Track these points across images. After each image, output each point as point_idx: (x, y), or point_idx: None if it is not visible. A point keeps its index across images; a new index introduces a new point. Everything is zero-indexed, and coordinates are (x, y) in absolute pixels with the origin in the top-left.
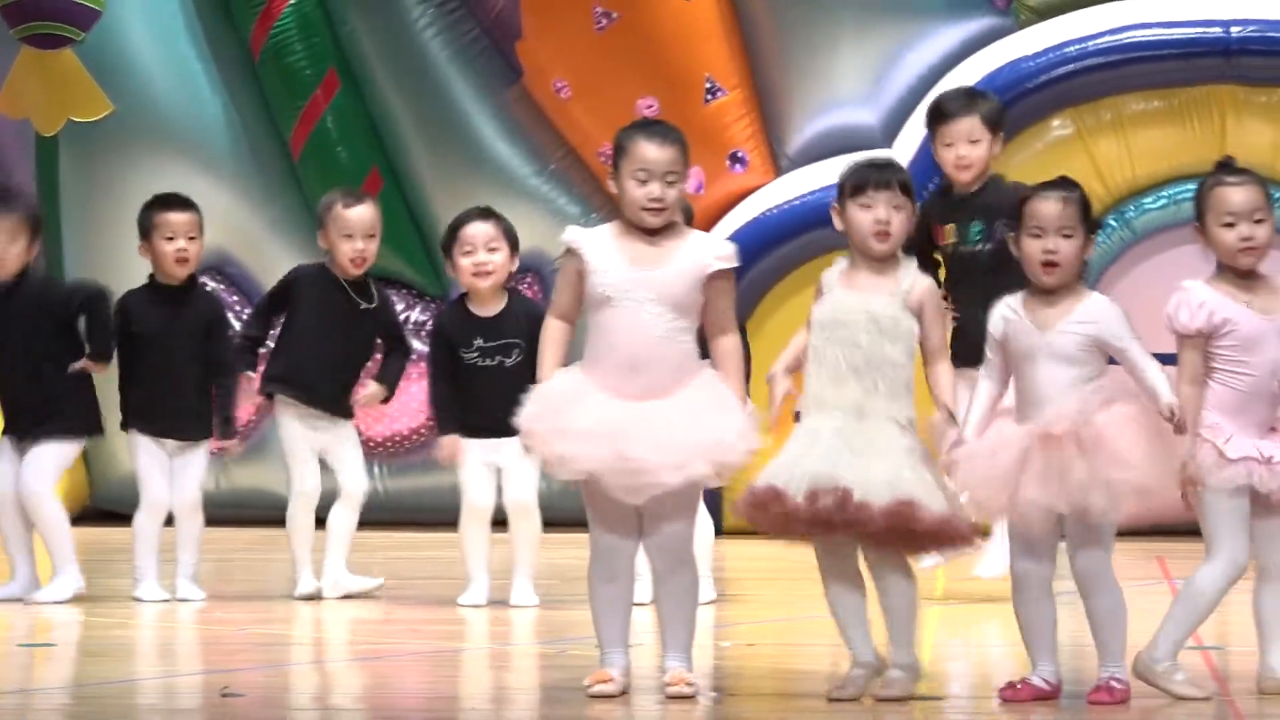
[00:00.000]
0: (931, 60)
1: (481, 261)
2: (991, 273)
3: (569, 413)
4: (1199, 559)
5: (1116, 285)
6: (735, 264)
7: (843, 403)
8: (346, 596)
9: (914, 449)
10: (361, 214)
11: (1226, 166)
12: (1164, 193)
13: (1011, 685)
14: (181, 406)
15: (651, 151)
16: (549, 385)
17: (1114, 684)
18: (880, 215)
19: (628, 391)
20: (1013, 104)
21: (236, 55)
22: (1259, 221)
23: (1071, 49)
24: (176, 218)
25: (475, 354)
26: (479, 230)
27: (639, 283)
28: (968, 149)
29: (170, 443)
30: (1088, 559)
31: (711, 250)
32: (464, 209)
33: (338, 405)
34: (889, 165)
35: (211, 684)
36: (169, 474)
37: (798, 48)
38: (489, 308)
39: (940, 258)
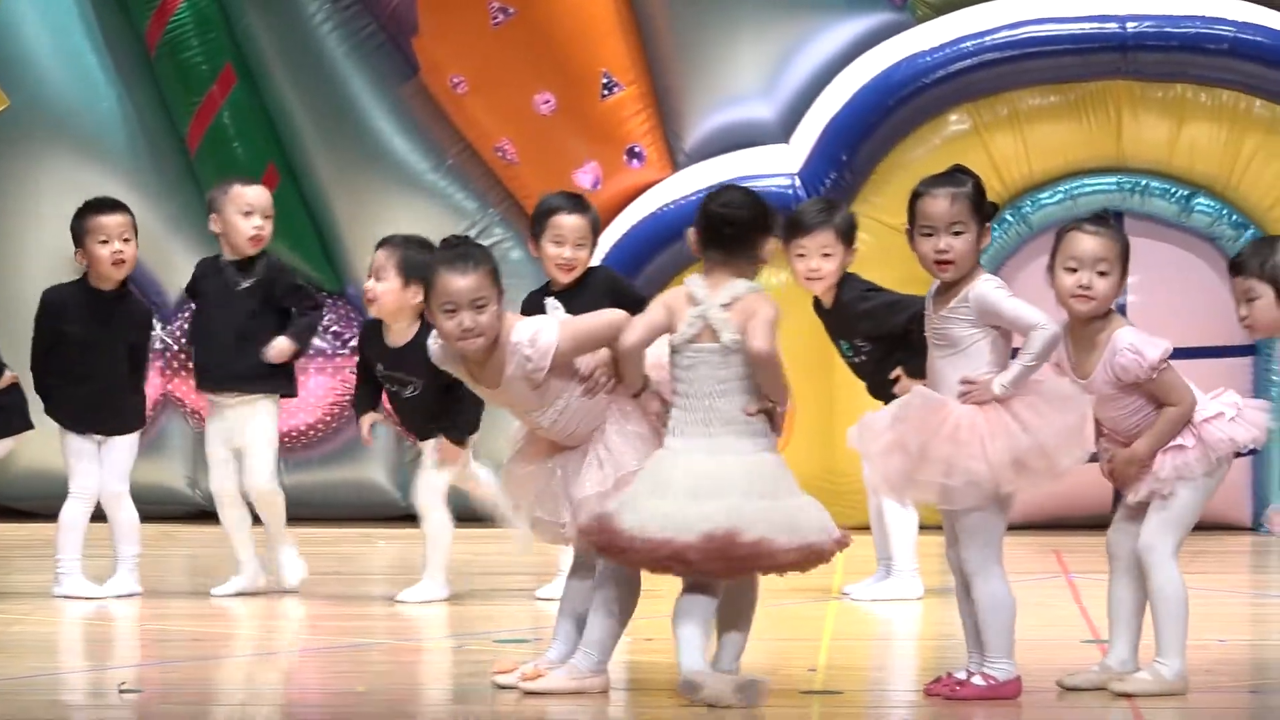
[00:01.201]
0: (828, 55)
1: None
2: (880, 367)
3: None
4: (1097, 552)
5: (1013, 280)
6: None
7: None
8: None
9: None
10: (260, 192)
11: (1099, 217)
12: (1060, 188)
13: (938, 680)
14: (111, 405)
15: (455, 282)
16: None
17: (996, 680)
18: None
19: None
20: (910, 99)
21: (132, 50)
22: (1102, 274)
23: (968, 44)
24: (110, 220)
25: (383, 378)
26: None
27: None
28: (820, 262)
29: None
30: (965, 551)
31: (523, 364)
32: (362, 204)
33: (245, 384)
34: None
35: (111, 680)
36: (99, 464)
37: (695, 43)
38: (398, 337)
39: None
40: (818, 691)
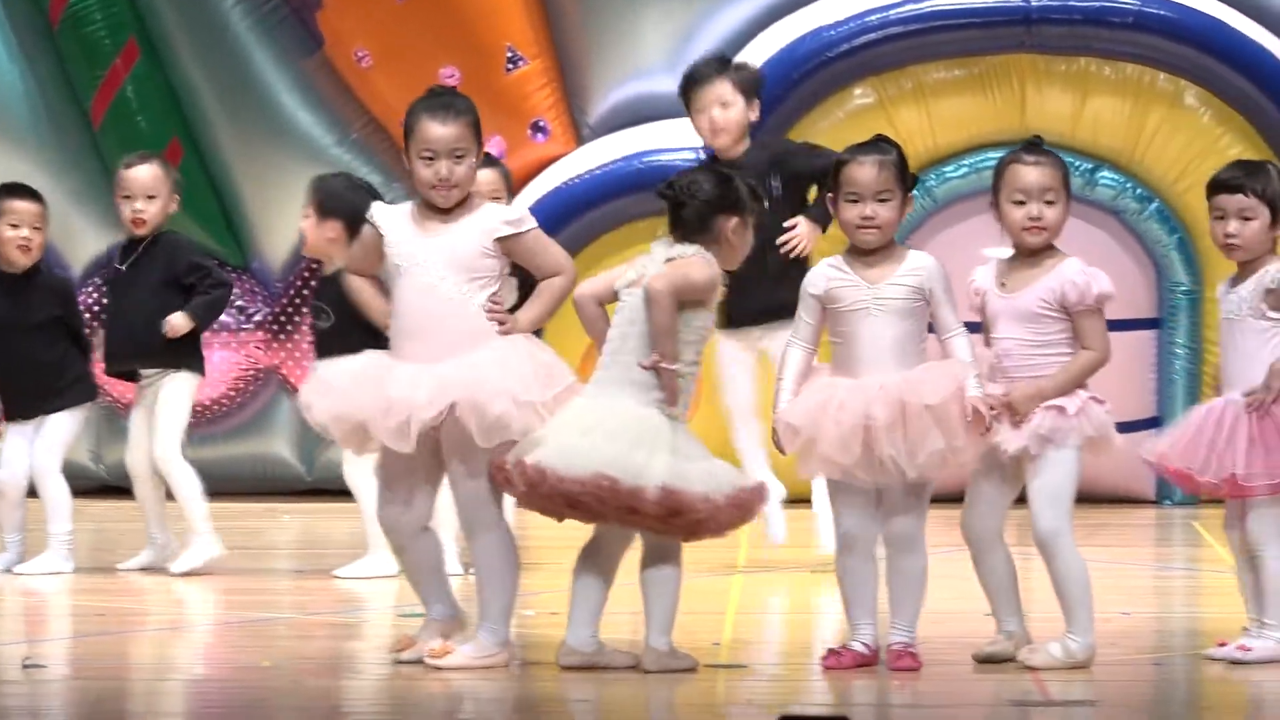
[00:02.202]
0: (733, 29)
1: None
2: (771, 231)
3: (344, 375)
4: (1009, 523)
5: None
6: (523, 227)
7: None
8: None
9: (683, 437)
10: (138, 174)
11: (1030, 145)
12: (965, 161)
13: (834, 652)
14: (42, 386)
15: (435, 130)
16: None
17: (910, 649)
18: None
19: (419, 355)
20: (814, 73)
21: (35, 24)
22: (1050, 203)
23: (873, 18)
24: (23, 206)
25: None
26: None
27: (427, 249)
28: (720, 112)
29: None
30: (904, 522)
31: (499, 216)
32: (266, 178)
33: (149, 362)
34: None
35: (15, 656)
36: (28, 443)
37: (599, 17)
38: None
39: None
40: (723, 665)
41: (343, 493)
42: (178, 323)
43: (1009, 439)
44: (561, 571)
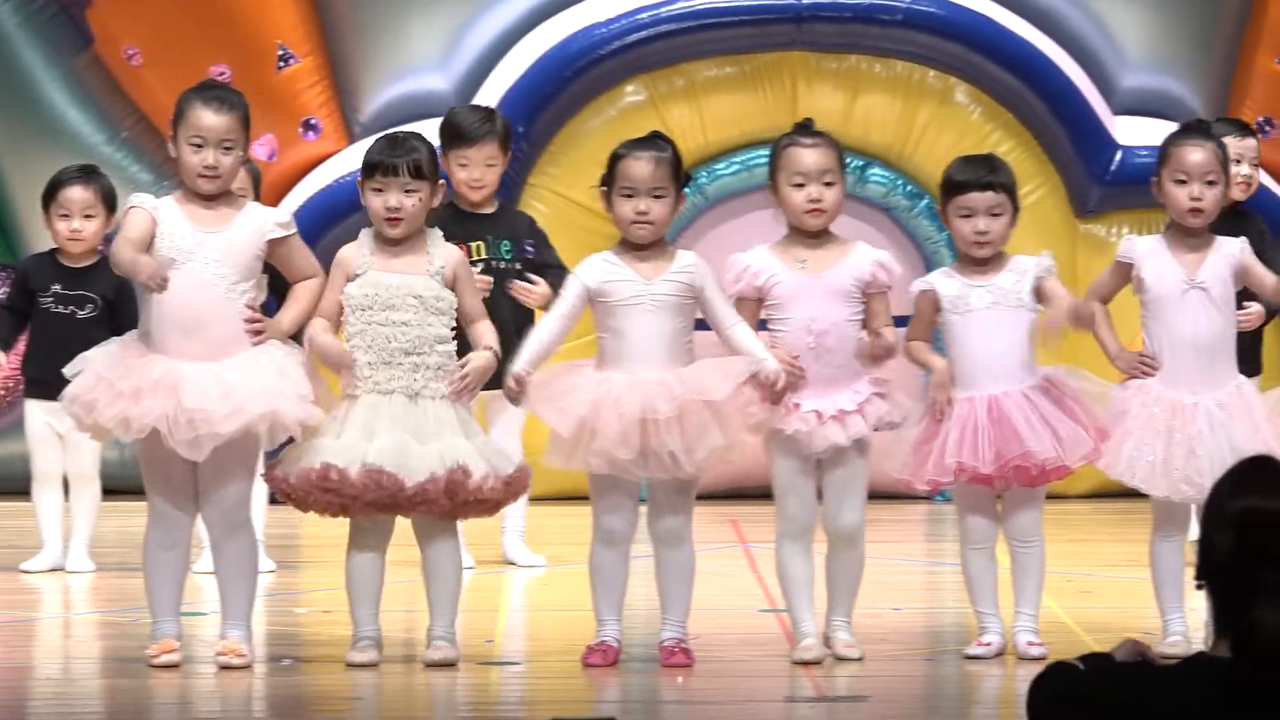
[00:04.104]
0: (505, 26)
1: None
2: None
3: (125, 376)
4: (773, 522)
5: (690, 250)
6: (292, 230)
7: (395, 384)
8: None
9: (468, 421)
10: None
11: (803, 128)
12: (736, 159)
13: (594, 649)
14: None
15: (208, 117)
16: (95, 353)
17: (683, 645)
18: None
19: (188, 352)
20: (586, 71)
21: None
22: (828, 184)
23: (644, 16)
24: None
25: (50, 299)
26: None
27: (203, 244)
28: (483, 172)
29: None
30: (673, 518)
31: (271, 217)
32: (35, 176)
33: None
34: None
35: None
36: None
37: (371, 14)
38: (79, 260)
39: None
40: (496, 662)
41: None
42: None
43: (834, 434)
44: (333, 569)
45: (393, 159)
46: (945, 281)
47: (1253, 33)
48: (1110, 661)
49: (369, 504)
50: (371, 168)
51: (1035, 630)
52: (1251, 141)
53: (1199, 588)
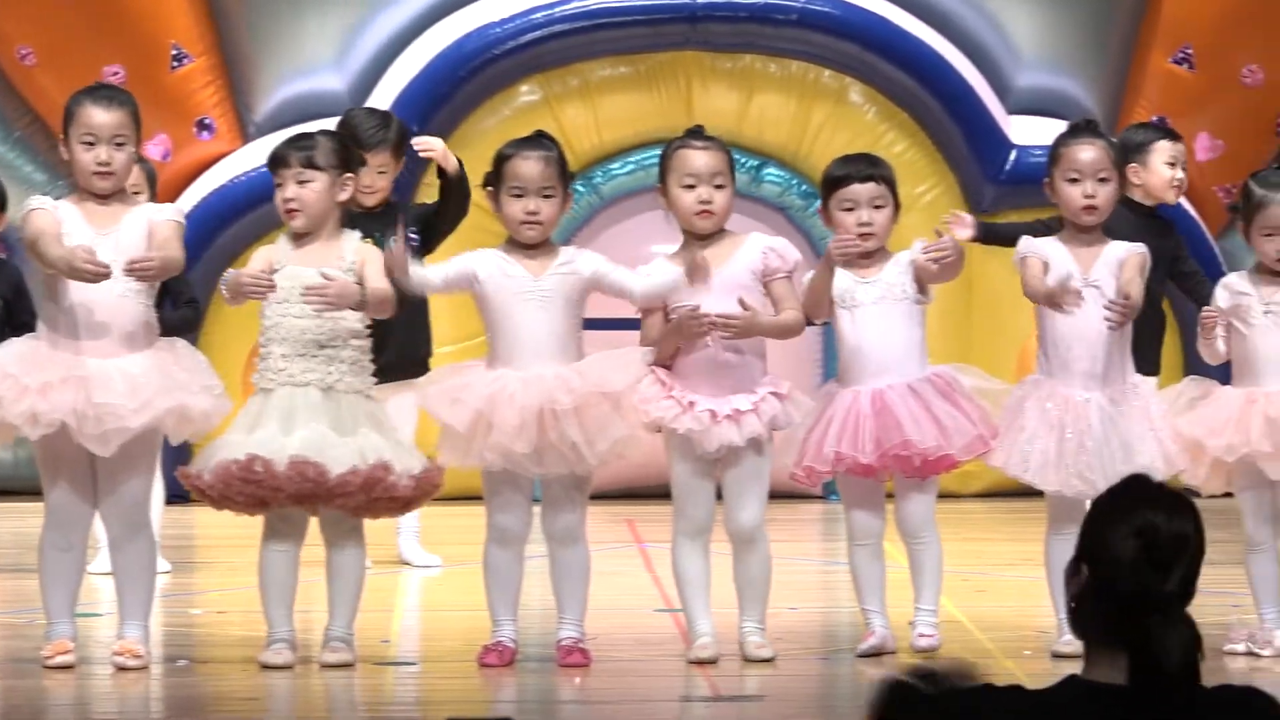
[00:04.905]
0: (400, 26)
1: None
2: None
3: (31, 372)
4: (670, 521)
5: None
6: (179, 219)
7: (310, 377)
8: None
9: (381, 417)
10: None
11: (694, 133)
12: (631, 159)
13: (490, 649)
14: None
15: (98, 115)
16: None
17: (580, 644)
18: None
19: (91, 350)
20: (480, 70)
21: None
22: (719, 187)
23: (539, 15)
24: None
25: None
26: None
27: (100, 243)
28: (374, 179)
29: None
30: (567, 517)
31: (165, 210)
32: None
33: None
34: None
35: None
36: None
37: (265, 14)
38: None
39: None
40: (392, 663)
41: None
42: None
43: (728, 433)
44: (230, 570)
45: (284, 151)
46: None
47: (1147, 32)
48: (955, 682)
49: (291, 496)
50: (270, 164)
51: (932, 625)
52: (1182, 145)
53: (1073, 610)
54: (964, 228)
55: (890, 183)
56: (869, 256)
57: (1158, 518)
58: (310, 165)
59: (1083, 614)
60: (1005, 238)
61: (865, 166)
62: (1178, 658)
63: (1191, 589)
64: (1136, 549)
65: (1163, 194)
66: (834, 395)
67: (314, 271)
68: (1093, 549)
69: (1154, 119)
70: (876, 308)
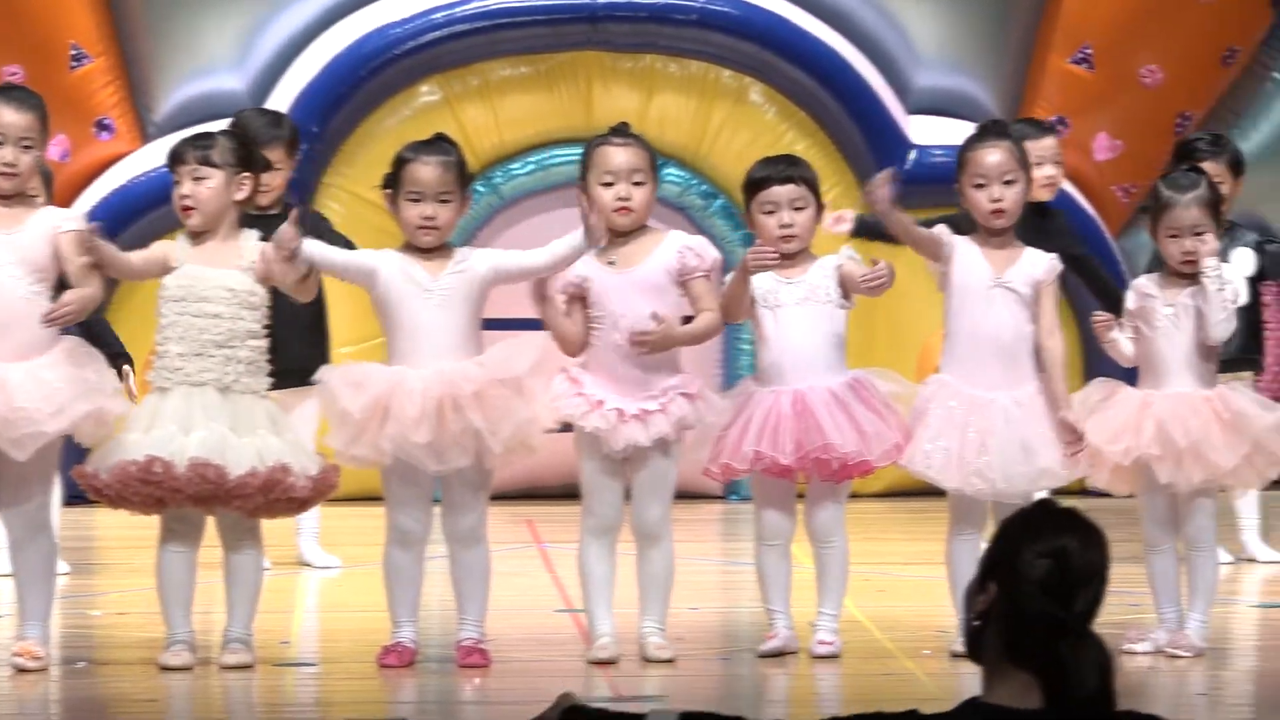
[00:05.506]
0: (299, 26)
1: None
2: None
3: None
4: (570, 521)
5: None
6: (83, 226)
7: (207, 376)
8: None
9: (278, 417)
10: None
11: (617, 130)
12: (532, 158)
13: (389, 649)
14: None
15: (7, 116)
16: None
17: (480, 645)
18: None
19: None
20: (380, 71)
21: None
22: (638, 184)
23: (439, 15)
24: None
25: None
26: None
27: (2, 244)
28: (270, 177)
29: None
30: (468, 517)
31: (64, 215)
32: None
33: None
34: None
35: None
36: None
37: (165, 13)
38: None
39: None
40: (292, 664)
41: None
42: None
43: (634, 433)
44: (129, 571)
45: (182, 149)
46: (758, 277)
47: (1046, 32)
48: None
49: (190, 497)
50: (169, 162)
51: (833, 630)
52: (1050, 141)
53: (975, 629)
54: (842, 224)
55: (811, 183)
56: (792, 258)
57: (1071, 543)
58: (206, 163)
59: (987, 634)
60: (882, 234)
61: (785, 168)
62: (1092, 682)
63: (1094, 614)
64: (1048, 571)
65: (1035, 193)
66: (753, 394)
67: (214, 273)
68: (1003, 569)
69: (1053, 118)
70: (800, 309)
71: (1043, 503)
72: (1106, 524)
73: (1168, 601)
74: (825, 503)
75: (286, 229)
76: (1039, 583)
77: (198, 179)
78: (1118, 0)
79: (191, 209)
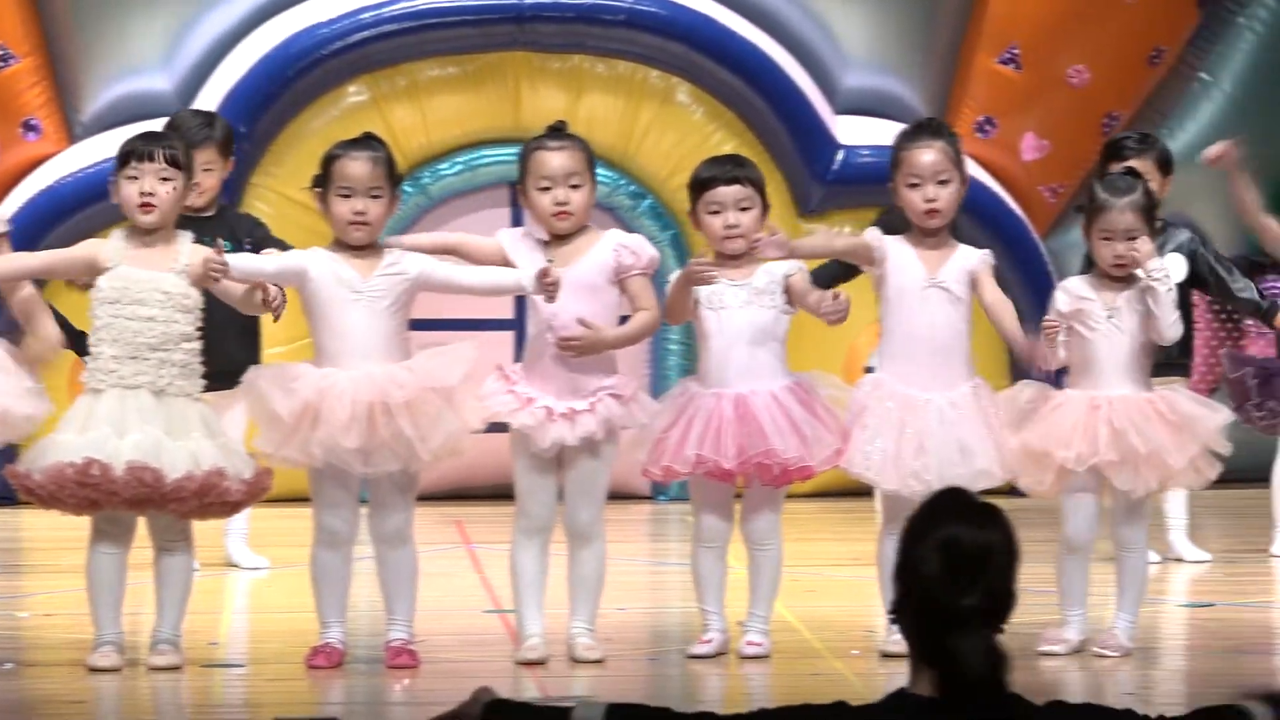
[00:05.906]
0: (227, 26)
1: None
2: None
3: None
4: (499, 522)
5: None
6: (7, 229)
7: (141, 379)
8: None
9: (212, 421)
10: None
11: (554, 131)
12: (460, 159)
13: (318, 650)
14: None
15: None
16: None
17: (408, 646)
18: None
19: None
20: (308, 71)
21: None
22: (575, 187)
23: (367, 15)
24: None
25: None
26: None
27: None
28: (201, 177)
29: None
30: (395, 517)
31: None
32: None
33: None
34: None
35: None
36: None
37: (91, 13)
38: None
39: None
40: (220, 665)
41: None
42: None
43: (561, 432)
44: (56, 572)
45: (148, 146)
46: None
47: (973, 33)
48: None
49: (125, 500)
50: (126, 155)
51: (763, 631)
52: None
53: (893, 621)
54: (775, 249)
55: (757, 184)
56: (738, 259)
57: (961, 530)
58: (174, 164)
59: (901, 627)
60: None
61: (731, 168)
62: (979, 670)
63: (1002, 598)
64: (939, 564)
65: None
66: (694, 396)
67: (149, 275)
68: (903, 564)
69: (980, 118)
70: (743, 311)
71: (939, 493)
72: (1033, 524)
73: (1076, 603)
74: (763, 508)
75: (212, 256)
76: (931, 577)
77: (164, 179)
78: (1045, 1)
79: (153, 207)
